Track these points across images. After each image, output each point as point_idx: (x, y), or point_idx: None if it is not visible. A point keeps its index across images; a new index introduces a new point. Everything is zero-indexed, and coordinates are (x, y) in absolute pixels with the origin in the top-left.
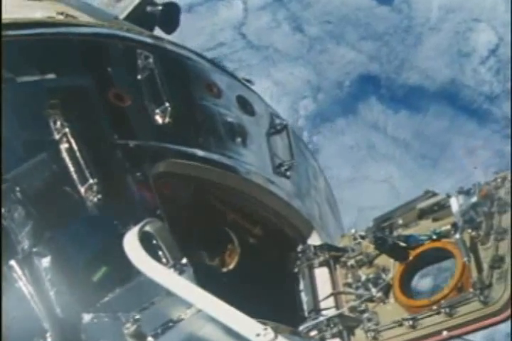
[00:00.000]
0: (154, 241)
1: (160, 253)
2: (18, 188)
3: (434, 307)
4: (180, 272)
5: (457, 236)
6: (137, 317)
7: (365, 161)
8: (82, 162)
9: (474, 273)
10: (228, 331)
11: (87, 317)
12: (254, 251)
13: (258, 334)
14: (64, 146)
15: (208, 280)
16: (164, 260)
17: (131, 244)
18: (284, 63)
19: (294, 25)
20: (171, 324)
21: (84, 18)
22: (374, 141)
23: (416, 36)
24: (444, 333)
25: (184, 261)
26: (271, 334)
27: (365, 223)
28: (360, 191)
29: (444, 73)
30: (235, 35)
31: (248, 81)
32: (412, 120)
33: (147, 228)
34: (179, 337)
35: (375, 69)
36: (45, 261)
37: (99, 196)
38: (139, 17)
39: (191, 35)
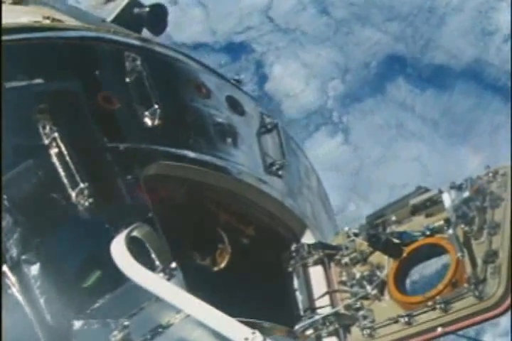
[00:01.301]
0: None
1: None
2: (5, 196)
3: (429, 303)
4: (170, 276)
5: (450, 231)
6: (126, 323)
7: (394, 140)
8: (72, 166)
9: (468, 269)
10: (218, 335)
11: (77, 324)
12: (247, 251)
13: (246, 338)
14: (54, 151)
15: (199, 279)
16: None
17: (119, 250)
18: (312, 45)
19: (319, 8)
20: (160, 329)
21: (70, 21)
22: (403, 120)
23: (439, 16)
24: (439, 329)
25: (174, 265)
26: (259, 337)
27: None
28: (391, 169)
29: (469, 52)
30: (263, 19)
31: (237, 81)
32: (439, 98)
33: (135, 233)
34: None
35: (401, 49)
36: (34, 269)
37: (91, 200)
38: (126, 19)
39: (220, 20)
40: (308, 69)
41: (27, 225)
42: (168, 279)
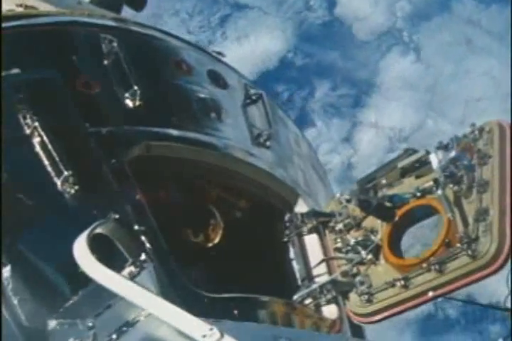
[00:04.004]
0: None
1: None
2: None
3: (424, 264)
4: (141, 269)
5: (439, 192)
6: (90, 324)
7: (464, 56)
8: (55, 154)
9: (461, 228)
10: (183, 332)
11: (52, 324)
12: (241, 224)
13: (204, 335)
14: (36, 140)
15: (194, 256)
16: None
17: (80, 249)
18: None
19: None
20: (124, 328)
21: (44, 7)
22: (471, 36)
23: None
24: (430, 294)
25: (143, 257)
26: (217, 334)
27: (474, 116)
28: (464, 84)
29: None
30: None
31: (219, 53)
32: (504, 12)
33: (98, 230)
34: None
35: None
36: (6, 271)
37: (76, 187)
38: None
39: None
40: None
41: None
42: (139, 272)
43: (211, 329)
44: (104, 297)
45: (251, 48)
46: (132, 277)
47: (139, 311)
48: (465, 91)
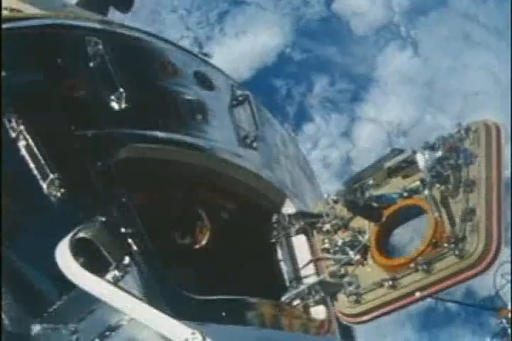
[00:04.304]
0: None
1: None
2: None
3: (412, 264)
4: (124, 273)
5: (426, 192)
6: (73, 329)
7: (462, 50)
8: (41, 158)
9: (448, 228)
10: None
11: (35, 329)
12: (228, 226)
13: (187, 339)
14: (22, 144)
15: (181, 258)
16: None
17: (63, 254)
18: None
19: None
20: (107, 333)
21: (30, 10)
22: (468, 31)
23: None
24: (417, 294)
25: (127, 261)
26: (199, 338)
27: (471, 109)
28: (462, 79)
29: None
30: None
31: (205, 54)
32: (500, 7)
33: (81, 234)
34: None
35: None
36: None
37: (62, 190)
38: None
39: None
40: None
41: None
42: (123, 276)
43: (193, 333)
44: (87, 302)
45: (249, 44)
46: (116, 281)
47: (122, 316)
48: (463, 86)
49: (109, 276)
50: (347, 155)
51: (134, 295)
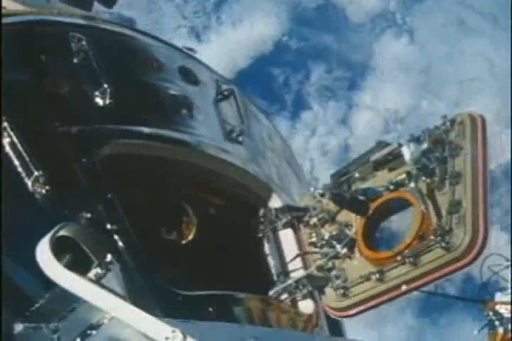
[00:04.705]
0: None
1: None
2: None
3: (399, 258)
4: (107, 270)
5: (412, 185)
6: (54, 328)
7: (457, 37)
8: (25, 155)
9: (434, 220)
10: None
11: (18, 328)
12: (215, 221)
13: (167, 338)
14: (6, 141)
15: (168, 254)
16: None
17: (43, 253)
18: None
19: None
20: (88, 331)
21: (12, 6)
22: (464, 17)
23: None
24: (404, 287)
25: (109, 258)
26: (179, 336)
27: (467, 95)
28: (458, 65)
29: None
30: None
31: (190, 49)
32: None
33: (62, 233)
34: None
35: None
36: None
37: (47, 187)
38: None
39: None
40: None
41: None
42: (105, 274)
43: (173, 331)
44: (69, 300)
45: (246, 33)
46: (98, 279)
47: (103, 314)
48: (459, 72)
49: (92, 274)
50: (345, 142)
51: (115, 293)
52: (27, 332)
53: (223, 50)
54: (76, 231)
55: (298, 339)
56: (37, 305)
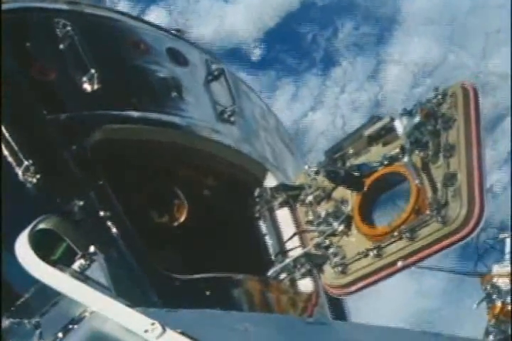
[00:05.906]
0: None
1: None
2: None
3: (396, 233)
4: (91, 261)
5: (405, 159)
6: (35, 323)
7: None
8: (14, 144)
9: (430, 194)
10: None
11: (4, 323)
12: (210, 202)
13: (146, 330)
14: None
15: (161, 237)
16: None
17: (21, 247)
18: None
19: None
20: (70, 326)
21: None
22: None
23: None
24: (399, 263)
25: (92, 249)
26: (159, 329)
27: (494, 47)
28: (483, 17)
29: None
30: None
31: (178, 30)
32: None
33: (41, 226)
34: (80, 339)
35: None
36: None
37: (38, 176)
38: None
39: None
40: None
41: None
42: (89, 265)
43: (153, 323)
44: (51, 294)
45: None
46: (83, 270)
47: (85, 307)
48: (484, 24)
49: (76, 265)
50: (375, 97)
51: (94, 286)
52: (12, 328)
53: (250, 10)
54: (57, 223)
55: (288, 324)
56: (22, 300)
